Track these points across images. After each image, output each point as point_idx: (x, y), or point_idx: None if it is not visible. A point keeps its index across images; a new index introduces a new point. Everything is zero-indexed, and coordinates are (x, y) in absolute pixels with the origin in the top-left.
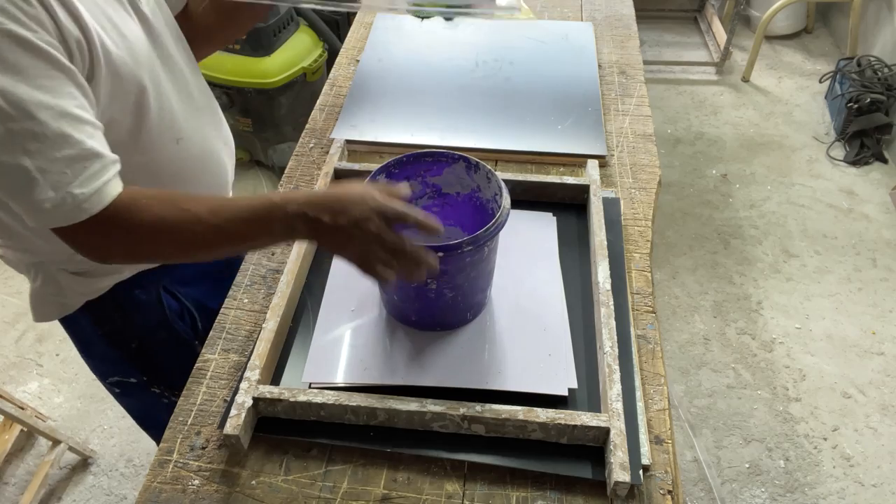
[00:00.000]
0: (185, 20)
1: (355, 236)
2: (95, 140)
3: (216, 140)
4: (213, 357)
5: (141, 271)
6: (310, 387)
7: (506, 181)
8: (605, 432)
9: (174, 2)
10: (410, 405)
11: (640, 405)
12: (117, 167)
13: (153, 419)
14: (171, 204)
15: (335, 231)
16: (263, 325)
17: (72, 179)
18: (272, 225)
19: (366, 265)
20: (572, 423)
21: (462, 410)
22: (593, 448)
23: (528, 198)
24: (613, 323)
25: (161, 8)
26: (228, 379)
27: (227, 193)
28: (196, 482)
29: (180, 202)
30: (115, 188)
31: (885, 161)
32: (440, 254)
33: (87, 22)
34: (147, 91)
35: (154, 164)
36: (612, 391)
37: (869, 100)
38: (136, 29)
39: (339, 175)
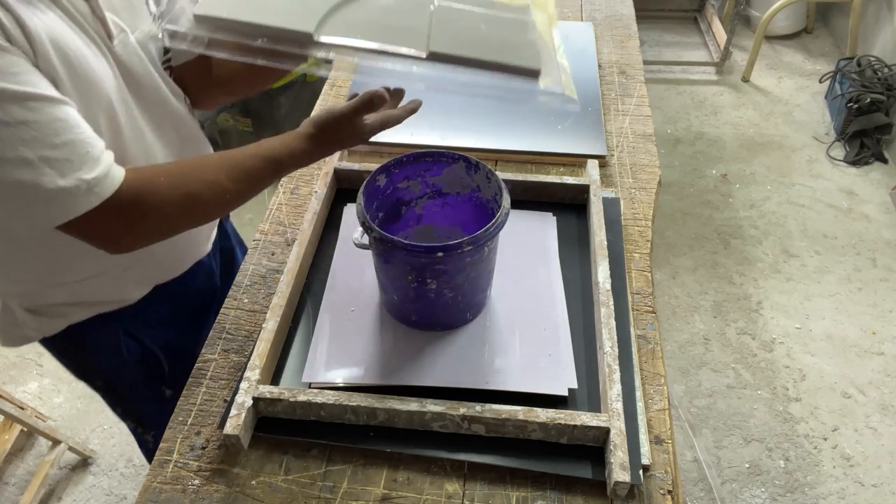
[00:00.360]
0: (203, 68)
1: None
2: (86, 125)
3: None
4: (213, 357)
5: (99, 314)
6: (310, 387)
7: (506, 181)
8: (605, 432)
9: (179, 53)
10: (410, 405)
11: (640, 405)
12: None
13: (143, 441)
14: (191, 178)
15: (339, 149)
16: (263, 325)
17: (79, 166)
18: (286, 172)
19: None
20: (572, 423)
21: (462, 410)
22: (593, 448)
23: (528, 198)
24: (613, 323)
25: (145, 50)
26: (228, 379)
27: (208, 230)
28: (196, 482)
29: (200, 174)
30: (120, 169)
31: (885, 161)
32: (440, 253)
33: (35, 38)
34: (100, 130)
35: None
36: (612, 391)
37: (869, 100)
38: (104, 67)
39: (340, 176)
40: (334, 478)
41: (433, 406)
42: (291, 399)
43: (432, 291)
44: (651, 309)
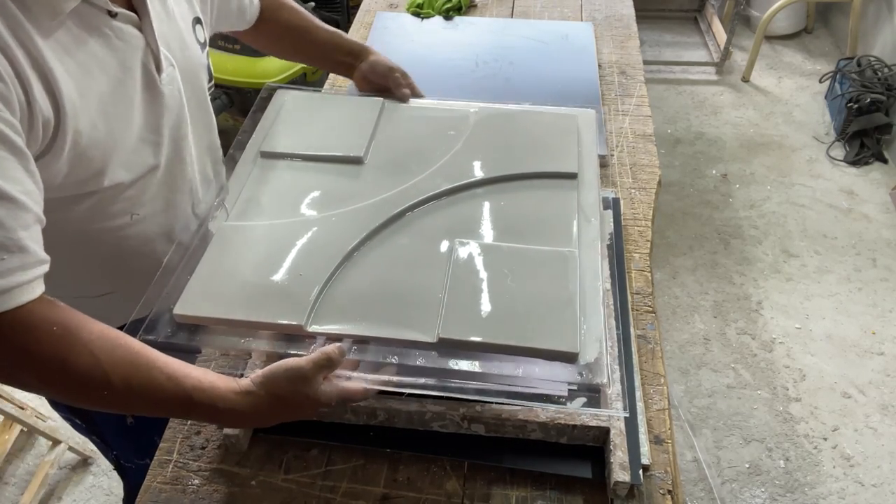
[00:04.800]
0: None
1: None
2: (30, 232)
3: (185, 220)
4: (213, 356)
5: None
6: None
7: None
8: (605, 432)
9: (234, 19)
10: (410, 405)
11: (640, 405)
12: (40, 270)
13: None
14: (81, 350)
15: (282, 420)
16: None
17: None
18: (194, 419)
19: None
20: (572, 423)
21: (462, 410)
22: (593, 448)
23: None
24: (613, 323)
25: (189, 82)
26: None
27: None
28: (196, 482)
29: (96, 351)
30: (24, 296)
31: (885, 161)
32: None
33: (66, 101)
34: (110, 171)
35: (96, 234)
36: (612, 391)
37: (869, 100)
38: (137, 116)
39: None
40: (334, 478)
41: (433, 406)
42: None
43: None
44: (651, 309)
